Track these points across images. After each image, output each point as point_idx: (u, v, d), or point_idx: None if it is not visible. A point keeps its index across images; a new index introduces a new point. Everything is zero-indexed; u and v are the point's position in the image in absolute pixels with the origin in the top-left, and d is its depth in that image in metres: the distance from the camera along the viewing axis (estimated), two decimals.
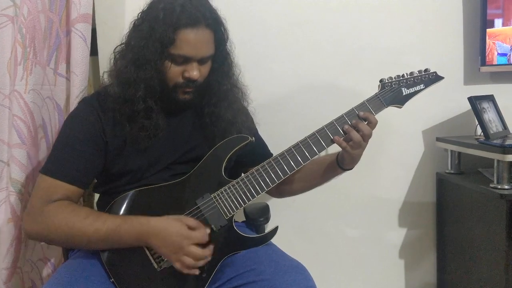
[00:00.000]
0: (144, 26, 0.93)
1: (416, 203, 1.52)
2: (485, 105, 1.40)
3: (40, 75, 1.14)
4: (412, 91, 1.03)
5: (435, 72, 1.05)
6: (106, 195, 1.01)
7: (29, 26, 1.11)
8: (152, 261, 0.92)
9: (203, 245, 0.90)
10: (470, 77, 1.49)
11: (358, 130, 0.96)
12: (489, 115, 1.39)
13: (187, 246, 0.88)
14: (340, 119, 0.99)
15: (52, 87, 1.18)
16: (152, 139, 0.96)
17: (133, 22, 0.98)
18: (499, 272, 1.20)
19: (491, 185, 1.23)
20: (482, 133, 1.36)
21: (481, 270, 1.29)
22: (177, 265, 0.89)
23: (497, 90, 1.47)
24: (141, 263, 0.91)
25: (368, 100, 1.01)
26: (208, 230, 0.92)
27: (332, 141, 0.98)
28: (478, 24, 1.43)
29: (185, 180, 0.97)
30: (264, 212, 1.13)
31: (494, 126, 1.39)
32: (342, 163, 1.03)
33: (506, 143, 1.21)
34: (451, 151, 1.44)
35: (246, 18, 1.40)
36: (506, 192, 1.17)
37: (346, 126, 0.97)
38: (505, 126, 1.43)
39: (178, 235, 0.88)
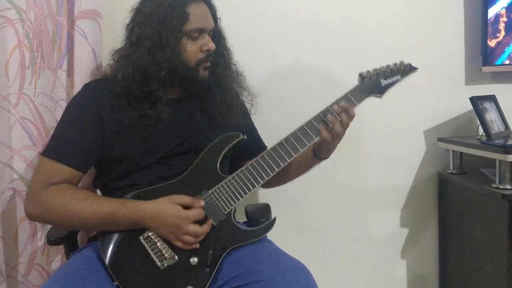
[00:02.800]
0: (152, 14, 0.98)
1: (418, 203, 1.52)
2: (487, 105, 1.40)
3: (50, 79, 1.16)
4: (389, 81, 1.08)
5: (410, 64, 1.10)
6: (106, 191, 1.03)
7: (36, 31, 1.13)
8: (155, 259, 0.93)
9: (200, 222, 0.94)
10: (472, 77, 1.48)
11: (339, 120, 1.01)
12: (491, 115, 1.39)
13: (185, 226, 0.91)
14: (325, 111, 1.03)
15: (68, 89, 1.20)
16: (150, 128, 0.99)
17: (131, 21, 1.02)
18: (502, 272, 1.20)
19: (493, 185, 1.23)
20: (483, 133, 1.36)
21: (483, 270, 1.29)
22: (178, 244, 0.92)
23: (499, 90, 1.47)
24: (144, 263, 0.92)
25: (350, 92, 1.05)
26: (202, 203, 0.95)
27: (319, 133, 1.02)
28: (479, 24, 1.43)
29: (182, 179, 1.00)
30: (265, 212, 1.13)
31: (496, 126, 1.39)
32: (319, 153, 1.08)
33: (508, 143, 1.21)
34: (453, 151, 1.44)
35: (246, 17, 1.42)
36: (508, 192, 1.17)
37: (330, 117, 1.01)
38: (506, 126, 1.43)
39: (174, 217, 0.91)
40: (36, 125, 1.15)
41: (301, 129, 1.02)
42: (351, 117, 1.01)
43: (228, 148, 1.03)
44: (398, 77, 1.09)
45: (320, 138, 1.02)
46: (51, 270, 1.19)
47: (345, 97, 1.04)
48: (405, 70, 1.09)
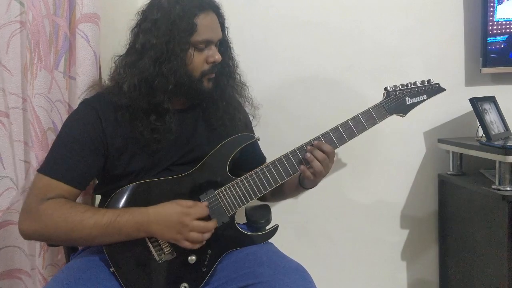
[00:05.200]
0: (159, 22, 0.94)
1: (417, 204, 1.52)
2: (487, 106, 1.40)
3: (47, 79, 1.15)
4: (415, 101, 1.07)
5: (438, 84, 1.09)
6: (107, 197, 1.01)
7: (33, 31, 1.13)
8: (154, 253, 0.93)
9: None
10: (471, 78, 1.48)
11: (318, 160, 0.99)
12: (491, 117, 1.39)
13: (190, 222, 0.90)
14: (303, 149, 1.01)
15: (64, 90, 1.19)
16: (162, 142, 0.97)
17: (137, 25, 0.99)
18: (502, 273, 1.19)
19: (493, 187, 1.22)
20: (483, 135, 1.35)
21: (483, 271, 1.29)
22: (186, 244, 0.91)
23: (499, 91, 1.47)
24: (142, 255, 0.93)
25: (373, 108, 1.04)
26: (206, 203, 0.94)
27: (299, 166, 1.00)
28: (479, 25, 1.43)
29: (189, 176, 0.99)
30: (265, 214, 1.13)
31: (496, 128, 1.38)
32: (303, 184, 1.08)
33: (507, 144, 1.21)
34: (453, 152, 1.43)
35: (247, 19, 1.41)
36: (508, 193, 1.17)
37: (309, 155, 0.99)
38: (506, 128, 1.43)
39: (178, 214, 0.90)
40: (33, 126, 1.14)
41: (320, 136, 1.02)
42: (327, 153, 0.99)
43: (239, 148, 1.01)
44: (425, 97, 1.07)
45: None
46: (47, 275, 1.18)
47: (367, 112, 1.03)
48: (433, 90, 1.07)
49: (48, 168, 0.94)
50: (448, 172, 1.46)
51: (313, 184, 1.07)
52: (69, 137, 0.97)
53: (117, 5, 1.34)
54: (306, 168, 1.00)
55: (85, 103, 1.01)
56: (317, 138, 1.02)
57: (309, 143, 1.01)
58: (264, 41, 1.43)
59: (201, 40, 0.96)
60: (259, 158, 1.19)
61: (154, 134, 0.96)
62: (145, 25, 0.96)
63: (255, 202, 1.03)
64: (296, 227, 1.49)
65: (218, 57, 0.99)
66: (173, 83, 0.95)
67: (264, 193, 1.00)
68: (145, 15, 0.98)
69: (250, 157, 1.11)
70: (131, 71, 0.96)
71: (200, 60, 0.97)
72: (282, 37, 1.43)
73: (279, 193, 1.16)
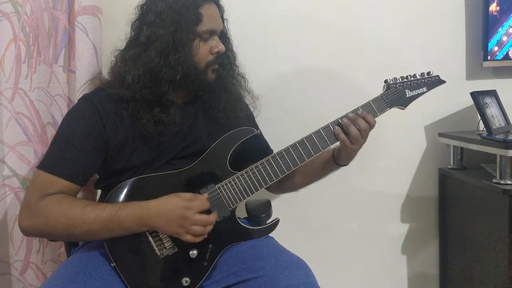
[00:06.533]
0: (164, 14, 0.94)
1: (418, 198, 1.52)
2: (488, 100, 1.40)
3: (46, 73, 1.15)
4: (415, 93, 1.06)
5: (438, 76, 1.08)
6: (107, 191, 1.01)
7: (32, 24, 1.12)
8: (155, 247, 0.93)
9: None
10: (473, 72, 1.48)
11: (356, 125, 0.98)
12: (492, 110, 1.39)
13: (191, 216, 0.89)
14: (344, 116, 1.00)
15: (64, 84, 1.18)
16: (165, 135, 0.97)
17: (139, 19, 0.99)
18: (502, 267, 1.20)
19: (493, 181, 1.22)
20: (484, 128, 1.35)
21: (483, 265, 1.29)
22: (188, 237, 0.90)
23: (500, 85, 1.46)
24: (144, 250, 0.92)
25: (373, 100, 1.03)
26: (206, 195, 0.94)
27: (336, 139, 1.00)
28: (480, 19, 1.42)
29: (189, 170, 0.98)
30: (265, 209, 1.13)
31: (497, 121, 1.38)
32: (338, 159, 1.05)
33: (508, 138, 1.21)
34: (454, 146, 1.43)
35: (247, 16, 1.41)
36: (508, 187, 1.17)
37: (345, 120, 0.98)
38: (507, 121, 1.43)
39: (179, 208, 0.89)
40: (32, 120, 1.13)
41: (317, 132, 1.00)
42: (371, 124, 0.99)
43: (240, 142, 1.01)
44: (425, 89, 1.06)
45: (337, 142, 1.00)
46: (47, 270, 1.18)
47: (367, 105, 1.02)
48: (433, 82, 1.07)
49: (48, 164, 0.94)
50: (449, 166, 1.46)
51: (348, 158, 1.04)
52: (68, 133, 0.96)
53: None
54: (342, 132, 0.97)
55: (84, 98, 1.01)
56: (317, 132, 1.01)
57: (309, 136, 1.00)
58: (264, 37, 1.42)
59: (206, 30, 0.97)
60: (265, 150, 1.16)
61: (158, 126, 0.96)
62: (148, 17, 0.96)
63: (256, 196, 1.03)
64: (297, 221, 1.49)
65: (221, 47, 0.99)
66: (180, 73, 0.95)
67: (265, 186, 1.00)
68: (148, 8, 0.98)
69: (254, 150, 1.10)
70: (136, 63, 0.95)
71: (205, 51, 0.98)
72: (281, 33, 1.43)
73: (293, 180, 1.12)
